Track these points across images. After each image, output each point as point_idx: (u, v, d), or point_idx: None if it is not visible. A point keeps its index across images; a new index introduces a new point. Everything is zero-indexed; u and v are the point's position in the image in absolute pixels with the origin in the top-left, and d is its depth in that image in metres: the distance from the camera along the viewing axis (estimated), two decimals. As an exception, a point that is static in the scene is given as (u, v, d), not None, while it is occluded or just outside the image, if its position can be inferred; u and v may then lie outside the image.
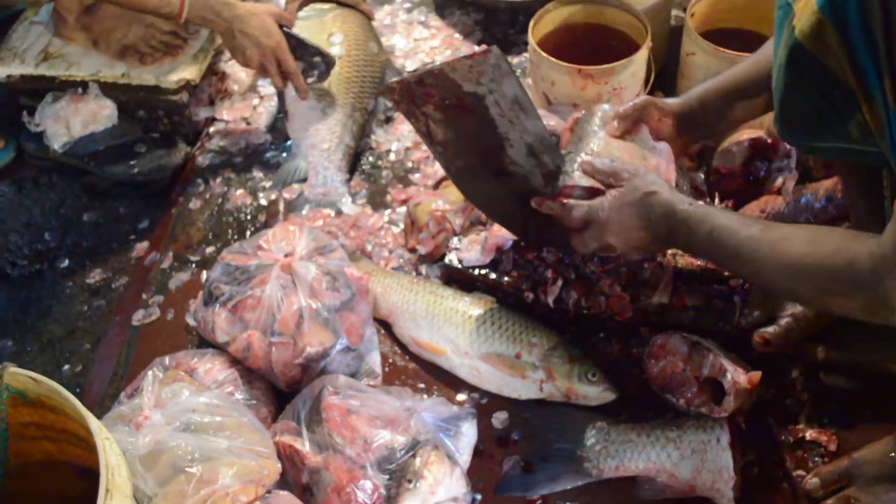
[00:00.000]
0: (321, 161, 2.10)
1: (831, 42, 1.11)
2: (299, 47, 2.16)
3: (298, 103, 2.18)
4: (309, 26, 2.32)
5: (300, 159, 2.12)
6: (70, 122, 2.12)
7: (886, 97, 1.08)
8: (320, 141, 2.13)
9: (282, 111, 2.23)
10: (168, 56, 2.19)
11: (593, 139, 1.59)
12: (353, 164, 2.16)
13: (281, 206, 2.02)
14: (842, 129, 1.17)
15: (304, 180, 2.10)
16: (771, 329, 1.55)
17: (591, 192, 1.50)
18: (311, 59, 2.19)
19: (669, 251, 1.68)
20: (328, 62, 2.20)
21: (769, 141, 1.77)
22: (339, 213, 2.02)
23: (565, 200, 1.50)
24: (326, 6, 2.38)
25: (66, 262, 2.01)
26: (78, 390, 1.74)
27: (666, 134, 1.64)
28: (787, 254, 1.26)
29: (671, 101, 1.65)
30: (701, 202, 1.43)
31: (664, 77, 2.13)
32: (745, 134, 1.80)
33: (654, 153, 1.61)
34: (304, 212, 2.02)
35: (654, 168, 1.56)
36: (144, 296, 1.90)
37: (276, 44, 2.07)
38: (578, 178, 1.52)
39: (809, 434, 1.53)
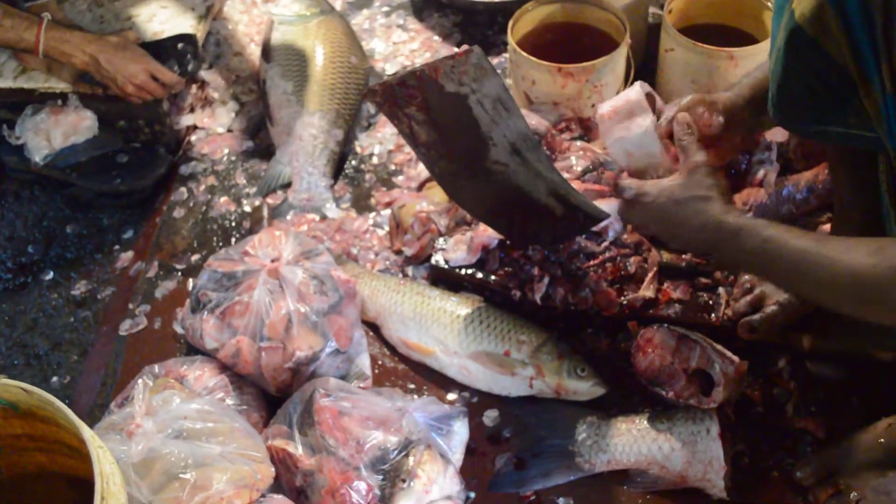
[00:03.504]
0: (305, 167, 2.10)
1: (831, 25, 1.10)
2: (163, 52, 2.14)
3: (282, 109, 2.17)
4: (292, 32, 2.32)
5: (284, 165, 2.12)
6: (50, 135, 2.10)
7: (884, 82, 1.08)
8: (304, 147, 2.13)
9: (265, 117, 2.23)
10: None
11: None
12: (338, 169, 2.16)
13: (265, 212, 2.02)
14: (839, 114, 1.18)
15: (287, 186, 2.10)
16: (756, 317, 1.56)
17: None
18: (182, 57, 2.17)
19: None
20: (193, 46, 2.18)
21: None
22: (323, 217, 2.02)
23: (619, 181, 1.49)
24: (309, 12, 2.38)
25: (51, 274, 2.00)
26: (67, 402, 1.71)
27: (717, 131, 1.50)
28: (853, 263, 1.16)
29: (721, 96, 1.52)
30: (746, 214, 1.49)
31: (643, 73, 2.13)
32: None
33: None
34: (288, 217, 2.02)
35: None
36: (131, 305, 1.89)
37: (144, 72, 2.05)
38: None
39: (798, 423, 1.54)
